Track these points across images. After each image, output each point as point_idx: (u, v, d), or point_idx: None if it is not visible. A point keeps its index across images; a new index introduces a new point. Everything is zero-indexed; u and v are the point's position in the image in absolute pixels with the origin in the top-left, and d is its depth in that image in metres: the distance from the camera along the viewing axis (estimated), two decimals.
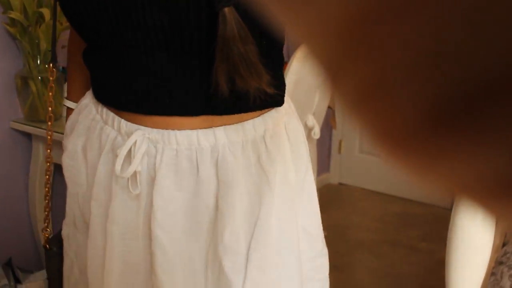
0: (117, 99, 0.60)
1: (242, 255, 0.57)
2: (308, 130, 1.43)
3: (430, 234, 2.34)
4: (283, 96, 0.63)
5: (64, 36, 1.49)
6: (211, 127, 0.57)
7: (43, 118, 1.39)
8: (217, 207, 0.57)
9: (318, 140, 1.62)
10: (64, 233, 0.71)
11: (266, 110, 0.61)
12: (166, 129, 0.57)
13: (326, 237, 0.70)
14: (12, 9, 1.29)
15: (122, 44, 0.57)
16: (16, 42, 1.37)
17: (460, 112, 0.09)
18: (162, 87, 0.57)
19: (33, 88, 1.36)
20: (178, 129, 0.57)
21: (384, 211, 2.66)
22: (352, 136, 3.05)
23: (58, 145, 1.40)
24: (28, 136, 1.47)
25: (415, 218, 2.56)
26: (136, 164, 0.56)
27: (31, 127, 1.37)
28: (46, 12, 1.29)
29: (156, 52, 0.56)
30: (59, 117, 1.44)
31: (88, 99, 0.66)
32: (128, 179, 0.58)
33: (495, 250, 0.86)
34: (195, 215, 0.58)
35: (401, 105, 0.09)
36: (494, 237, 0.80)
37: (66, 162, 0.67)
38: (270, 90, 0.52)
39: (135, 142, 0.56)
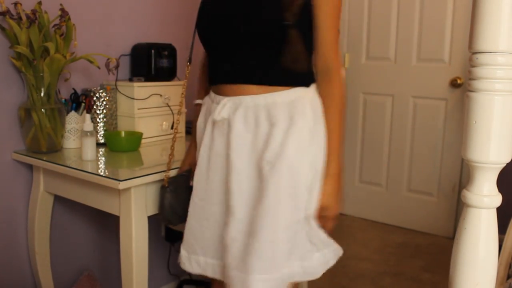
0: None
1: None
2: None
3: (433, 264, 2.31)
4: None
5: (68, 69, 1.52)
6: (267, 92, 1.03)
7: (44, 149, 1.40)
8: (266, 142, 1.02)
9: None
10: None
11: (292, 87, 1.04)
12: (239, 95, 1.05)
13: None
14: (19, 44, 1.32)
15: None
16: (21, 75, 1.40)
17: None
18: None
19: (36, 119, 1.37)
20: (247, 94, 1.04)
21: (385, 241, 2.63)
22: (352, 166, 3.05)
23: (58, 176, 1.40)
24: (29, 166, 1.47)
25: (417, 248, 2.52)
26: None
27: (33, 158, 1.38)
28: (51, 46, 1.32)
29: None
30: (60, 148, 1.45)
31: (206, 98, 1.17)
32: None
33: (499, 282, 0.84)
34: (253, 145, 1.03)
35: None
36: (498, 269, 0.79)
37: (199, 124, 1.17)
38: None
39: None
